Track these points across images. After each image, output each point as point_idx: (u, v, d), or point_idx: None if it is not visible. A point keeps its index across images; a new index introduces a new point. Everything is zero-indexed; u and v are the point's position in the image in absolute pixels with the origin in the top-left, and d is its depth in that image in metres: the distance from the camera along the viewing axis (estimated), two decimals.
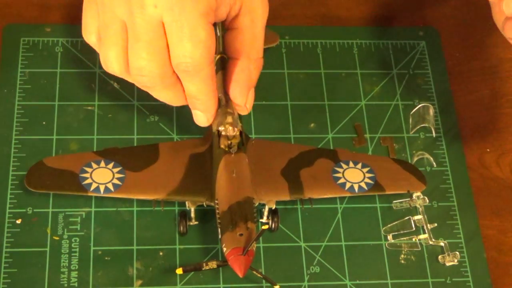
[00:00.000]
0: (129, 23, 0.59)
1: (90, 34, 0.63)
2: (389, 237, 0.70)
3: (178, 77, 0.61)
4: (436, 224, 0.70)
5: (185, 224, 0.67)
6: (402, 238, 0.70)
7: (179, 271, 0.63)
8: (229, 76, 0.65)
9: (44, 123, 0.72)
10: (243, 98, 0.65)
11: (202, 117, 0.64)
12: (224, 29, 0.65)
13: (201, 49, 0.59)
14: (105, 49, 0.61)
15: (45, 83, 0.74)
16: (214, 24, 0.76)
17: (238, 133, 0.66)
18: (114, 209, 0.69)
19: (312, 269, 0.68)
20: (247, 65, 0.64)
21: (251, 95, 0.65)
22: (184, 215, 0.67)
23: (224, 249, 0.62)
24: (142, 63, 0.60)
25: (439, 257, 0.69)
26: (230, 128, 0.65)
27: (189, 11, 0.58)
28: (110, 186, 0.66)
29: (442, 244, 0.70)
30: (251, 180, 0.66)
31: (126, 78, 0.63)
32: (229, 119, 0.65)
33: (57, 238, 0.67)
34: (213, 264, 0.63)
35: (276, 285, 0.65)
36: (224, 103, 0.65)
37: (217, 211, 0.64)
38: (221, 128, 0.65)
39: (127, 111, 0.73)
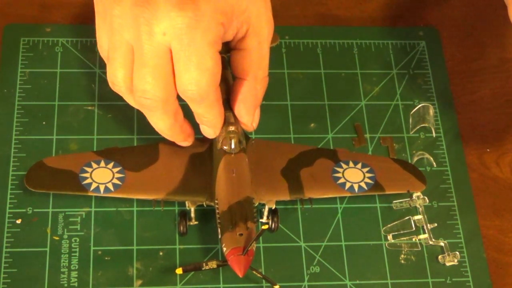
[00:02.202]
0: (136, 48, 0.60)
1: (103, 49, 0.64)
2: (389, 237, 0.70)
3: (179, 107, 0.63)
4: (436, 224, 0.70)
5: (185, 224, 0.67)
6: (402, 238, 0.70)
7: (179, 271, 0.63)
8: (235, 95, 0.65)
9: (44, 123, 0.72)
10: (249, 118, 0.66)
11: (209, 131, 0.65)
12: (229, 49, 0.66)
13: (207, 77, 0.60)
14: (114, 69, 0.62)
15: (45, 83, 0.74)
16: None
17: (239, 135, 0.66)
18: (114, 209, 0.69)
19: (312, 269, 0.68)
20: (254, 85, 0.65)
21: (257, 113, 0.66)
22: (184, 215, 0.67)
23: (224, 249, 0.62)
24: (147, 86, 0.60)
25: (439, 257, 0.69)
26: (233, 146, 0.65)
27: (198, 41, 0.59)
28: (110, 186, 0.66)
29: (442, 244, 0.70)
30: (251, 180, 0.66)
31: (128, 99, 0.64)
32: (235, 139, 0.65)
33: (57, 238, 0.67)
34: (213, 264, 0.63)
35: (276, 285, 0.65)
36: (231, 120, 0.66)
37: (217, 211, 0.64)
38: (225, 147, 0.65)
39: (127, 111, 0.73)
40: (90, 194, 0.66)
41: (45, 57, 0.76)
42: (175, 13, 0.58)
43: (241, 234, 0.62)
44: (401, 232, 0.70)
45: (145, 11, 0.59)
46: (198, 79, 0.59)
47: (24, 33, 0.76)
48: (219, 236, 0.63)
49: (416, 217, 0.70)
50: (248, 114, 0.66)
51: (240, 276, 0.62)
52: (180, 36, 0.58)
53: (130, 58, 0.61)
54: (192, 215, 0.67)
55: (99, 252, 0.67)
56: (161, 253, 0.67)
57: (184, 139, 0.67)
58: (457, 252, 0.69)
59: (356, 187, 0.69)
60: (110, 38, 0.62)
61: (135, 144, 0.72)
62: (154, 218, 0.68)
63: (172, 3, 0.58)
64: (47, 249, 0.66)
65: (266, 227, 0.62)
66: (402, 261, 0.69)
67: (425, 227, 0.70)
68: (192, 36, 0.58)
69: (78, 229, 0.67)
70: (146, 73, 0.60)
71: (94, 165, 0.67)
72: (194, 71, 0.59)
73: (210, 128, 0.65)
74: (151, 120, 0.64)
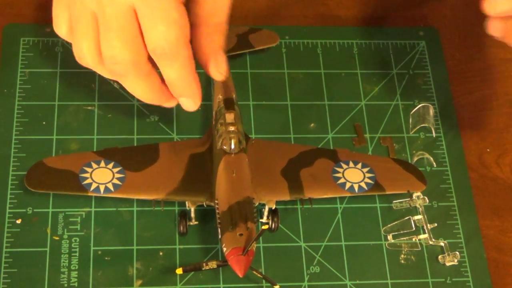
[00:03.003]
0: (100, 13, 0.59)
1: (60, 27, 0.62)
2: (389, 237, 0.70)
3: (152, 67, 0.61)
4: (436, 224, 0.70)
5: (185, 224, 0.67)
6: (402, 238, 0.70)
7: (179, 271, 0.63)
8: (193, 44, 0.62)
9: (44, 123, 0.72)
10: (211, 65, 0.62)
11: (189, 102, 0.63)
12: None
13: (175, 30, 0.58)
14: (77, 41, 0.61)
15: (45, 83, 0.74)
16: None
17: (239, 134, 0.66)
18: (114, 209, 0.69)
19: (312, 269, 0.68)
20: (207, 31, 0.62)
21: (221, 61, 0.63)
22: (184, 215, 0.67)
23: (224, 249, 0.62)
24: (114, 51, 0.59)
25: (439, 257, 0.69)
26: (233, 147, 0.65)
27: None
28: (110, 186, 0.66)
29: (442, 244, 0.70)
30: (251, 180, 0.66)
31: (99, 71, 0.62)
32: (234, 139, 0.65)
33: (57, 238, 0.67)
34: (213, 264, 0.63)
35: (276, 285, 0.65)
36: (231, 120, 0.65)
37: (217, 211, 0.64)
38: (225, 147, 0.65)
39: (127, 111, 0.73)
40: (90, 194, 0.66)
41: (45, 57, 0.76)
42: None
43: (241, 234, 0.62)
44: (401, 232, 0.70)
45: None
46: (166, 33, 0.58)
47: (24, 33, 0.76)
48: (219, 236, 0.63)
49: (416, 217, 0.70)
50: (209, 61, 0.62)
51: (240, 276, 0.62)
52: None
53: (94, 27, 0.60)
54: (192, 215, 0.67)
55: (99, 252, 0.67)
56: (161, 253, 0.67)
57: (166, 101, 0.64)
58: (457, 252, 0.69)
59: (356, 187, 0.69)
60: (71, 12, 0.61)
61: (135, 144, 0.72)
62: (154, 218, 0.68)
63: None
64: (47, 249, 0.66)
65: (266, 227, 0.62)
66: (402, 261, 0.69)
67: (425, 227, 0.70)
68: None
69: (78, 229, 0.67)
70: (112, 37, 0.59)
71: (94, 165, 0.67)
72: (161, 25, 0.58)
73: (189, 98, 0.63)
74: (127, 87, 0.62)
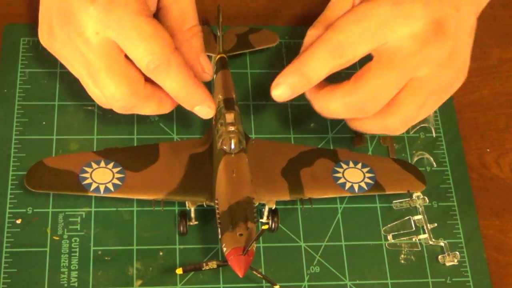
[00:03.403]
0: (86, 62, 0.61)
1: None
2: (389, 237, 0.70)
3: (152, 86, 0.63)
4: (436, 224, 0.70)
5: (185, 224, 0.67)
6: (402, 238, 0.70)
7: (179, 271, 0.63)
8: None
9: (44, 123, 0.72)
10: (196, 68, 0.66)
11: (203, 109, 0.64)
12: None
13: (156, 41, 0.60)
14: (92, 92, 0.64)
15: (45, 83, 0.74)
16: (209, 25, 0.77)
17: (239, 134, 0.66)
18: (114, 209, 0.69)
19: (312, 269, 0.68)
20: (184, 38, 0.66)
21: (204, 61, 0.66)
22: (184, 215, 0.67)
23: (224, 249, 0.62)
24: (110, 89, 0.61)
25: (439, 257, 0.69)
26: (233, 147, 0.65)
27: (124, 17, 0.59)
28: (110, 186, 0.66)
29: (442, 244, 0.70)
30: (251, 180, 0.66)
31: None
32: (234, 139, 0.65)
33: (57, 238, 0.67)
34: (213, 264, 0.63)
35: (276, 285, 0.65)
36: (231, 120, 0.66)
37: (217, 211, 0.64)
38: (225, 148, 0.65)
39: None
40: (90, 194, 0.66)
41: (45, 57, 0.75)
42: (90, 7, 0.59)
43: (241, 234, 0.62)
44: (401, 232, 0.70)
45: (70, 25, 0.61)
46: (148, 48, 0.60)
47: (24, 33, 0.76)
48: (219, 236, 0.63)
49: (416, 217, 0.70)
50: (193, 66, 0.65)
51: (240, 276, 0.62)
52: (108, 24, 0.59)
53: (92, 75, 0.62)
54: (192, 215, 0.67)
55: (99, 252, 0.67)
56: (161, 253, 0.67)
57: (172, 106, 0.66)
58: (457, 252, 0.69)
59: (356, 187, 0.69)
60: (74, 71, 0.64)
61: (135, 144, 0.72)
62: (154, 218, 0.68)
63: (82, 3, 0.60)
64: (47, 249, 0.66)
65: (266, 227, 0.62)
66: (402, 261, 0.69)
67: (425, 227, 0.70)
68: (116, 16, 0.59)
69: (78, 229, 0.67)
70: (103, 77, 0.61)
71: (94, 165, 0.67)
72: (141, 43, 0.60)
73: (201, 105, 0.64)
74: (143, 113, 0.65)
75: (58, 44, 0.63)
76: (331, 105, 0.63)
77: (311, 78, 0.62)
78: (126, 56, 0.61)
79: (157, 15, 0.66)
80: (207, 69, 0.67)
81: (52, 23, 0.63)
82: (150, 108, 0.64)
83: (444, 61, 0.62)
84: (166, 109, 0.65)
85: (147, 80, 0.62)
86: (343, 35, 0.61)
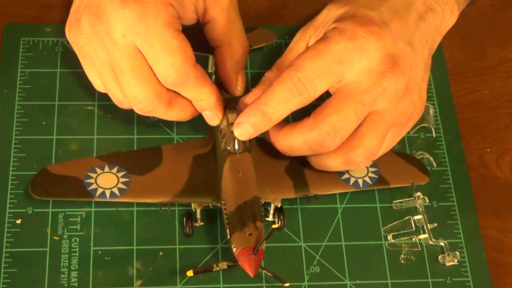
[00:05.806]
0: (112, 61, 0.62)
1: (97, 85, 0.67)
2: (389, 237, 0.70)
3: (175, 92, 0.63)
4: (436, 224, 0.70)
5: (191, 225, 0.67)
6: (402, 238, 0.70)
7: (189, 273, 0.63)
8: (216, 64, 0.68)
9: (44, 123, 0.72)
10: (231, 82, 0.68)
11: (211, 116, 0.66)
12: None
13: (177, 56, 0.61)
14: (111, 92, 0.65)
15: (45, 83, 0.74)
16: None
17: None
18: (114, 209, 0.69)
19: (312, 269, 0.68)
20: (229, 51, 0.67)
21: (240, 78, 0.68)
22: (190, 216, 0.67)
23: (234, 249, 0.62)
24: (134, 91, 0.62)
25: (439, 257, 0.69)
26: (237, 147, 0.65)
27: (153, 26, 0.60)
28: (115, 190, 0.66)
29: (442, 244, 0.70)
30: (256, 179, 0.66)
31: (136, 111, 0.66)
32: (237, 139, 0.65)
33: (57, 238, 0.67)
34: (223, 265, 0.63)
35: (286, 283, 0.64)
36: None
37: (224, 211, 0.64)
38: (229, 148, 0.65)
39: (127, 111, 0.73)
40: (96, 200, 0.65)
41: (45, 57, 0.76)
42: (122, 10, 0.60)
43: (250, 234, 0.62)
44: (401, 232, 0.70)
45: (100, 24, 0.61)
46: (170, 61, 0.60)
47: (24, 33, 0.76)
48: (228, 237, 0.63)
49: (416, 217, 0.70)
50: (229, 79, 0.68)
51: (251, 275, 0.61)
52: (136, 30, 0.60)
53: (114, 75, 0.63)
54: (198, 216, 0.67)
55: (99, 252, 0.67)
56: (161, 253, 0.67)
57: (194, 114, 0.67)
58: (457, 252, 0.69)
59: (360, 182, 0.69)
60: (95, 69, 0.64)
61: (135, 145, 0.72)
62: (154, 218, 0.68)
63: (116, 4, 0.60)
64: (47, 249, 0.66)
65: (276, 226, 0.62)
66: (402, 261, 0.69)
67: (425, 227, 0.70)
68: (146, 24, 0.60)
69: (78, 229, 0.67)
70: (128, 79, 0.62)
71: (99, 170, 0.67)
72: (163, 55, 0.60)
73: (210, 111, 0.65)
74: (164, 118, 0.66)
75: (83, 40, 0.64)
76: (292, 141, 0.63)
77: (273, 117, 0.62)
78: None
79: (206, 29, 0.67)
80: (240, 86, 0.69)
81: (81, 19, 0.63)
82: (171, 113, 0.64)
83: (400, 94, 0.63)
84: (187, 115, 0.66)
85: None
86: (302, 72, 0.61)
